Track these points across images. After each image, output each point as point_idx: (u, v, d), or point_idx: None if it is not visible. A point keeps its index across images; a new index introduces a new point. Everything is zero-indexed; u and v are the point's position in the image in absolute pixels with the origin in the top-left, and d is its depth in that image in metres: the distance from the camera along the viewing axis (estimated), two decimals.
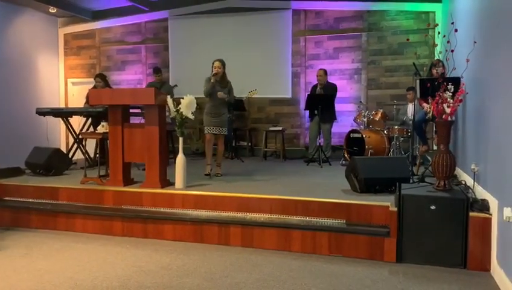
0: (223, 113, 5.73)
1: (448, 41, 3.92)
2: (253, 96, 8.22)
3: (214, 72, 5.64)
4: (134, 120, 6.07)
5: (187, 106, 4.80)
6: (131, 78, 9.65)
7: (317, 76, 7.55)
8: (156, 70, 7.68)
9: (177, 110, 4.81)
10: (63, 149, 8.17)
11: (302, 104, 8.42)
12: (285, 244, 4.17)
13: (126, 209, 4.76)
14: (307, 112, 7.86)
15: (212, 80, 5.60)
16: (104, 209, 4.81)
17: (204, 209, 4.54)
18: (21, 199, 5.22)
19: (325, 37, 8.43)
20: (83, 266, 3.78)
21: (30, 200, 5.18)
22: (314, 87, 7.64)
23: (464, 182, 4.42)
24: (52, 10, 9.15)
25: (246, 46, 8.66)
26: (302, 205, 4.23)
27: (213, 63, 5.69)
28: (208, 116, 5.68)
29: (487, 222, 3.56)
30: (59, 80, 10.11)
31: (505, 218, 2.99)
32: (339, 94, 7.55)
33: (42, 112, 6.88)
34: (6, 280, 3.49)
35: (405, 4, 7.88)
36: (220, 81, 5.67)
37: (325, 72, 7.55)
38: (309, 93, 7.74)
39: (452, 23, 4.01)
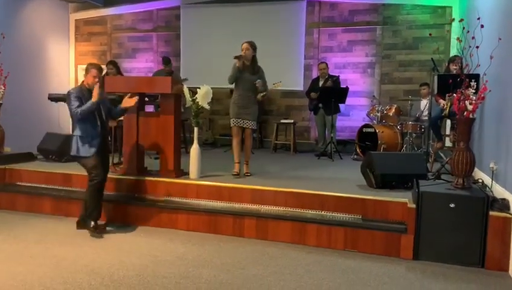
0: (252, 104, 5.12)
1: (472, 37, 3.85)
2: (277, 88, 7.99)
3: (239, 55, 4.99)
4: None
5: (203, 95, 4.76)
6: (142, 66, 9.60)
7: (320, 69, 7.48)
8: (166, 61, 7.63)
9: (193, 100, 4.77)
10: None
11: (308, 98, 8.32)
12: (300, 238, 4.15)
13: (140, 198, 4.75)
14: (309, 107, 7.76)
15: (237, 64, 4.96)
16: (118, 197, 4.79)
17: (218, 200, 4.52)
18: (34, 185, 5.22)
19: (339, 29, 8.34)
20: (98, 254, 3.78)
21: (43, 185, 5.18)
22: (316, 80, 7.57)
23: (480, 181, 4.37)
24: None
25: (259, 37, 8.40)
26: (318, 199, 4.21)
27: (242, 45, 5.06)
28: (235, 106, 5.08)
29: (507, 221, 3.53)
30: (69, 66, 10.06)
31: None
32: (351, 88, 7.48)
33: (54, 98, 6.83)
34: (23, 265, 3.49)
35: None
36: (249, 66, 5.04)
37: (327, 65, 7.53)
38: (309, 87, 7.65)
39: (478, 18, 3.93)
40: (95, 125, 4.26)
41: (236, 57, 4.99)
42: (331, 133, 7.22)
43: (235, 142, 5.14)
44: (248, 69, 5.04)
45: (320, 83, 7.42)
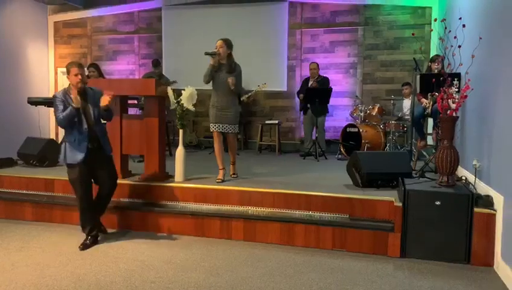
0: (231, 106, 4.87)
1: (455, 37, 3.91)
2: (262, 90, 7.98)
3: (215, 50, 4.73)
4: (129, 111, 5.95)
5: (188, 97, 4.70)
6: (124, 68, 9.48)
7: (311, 69, 7.54)
8: (156, 63, 7.58)
9: (178, 102, 4.72)
10: (55, 140, 8.00)
11: (298, 98, 8.38)
12: (288, 239, 4.14)
13: (125, 202, 4.67)
14: (299, 107, 7.83)
15: (211, 62, 4.72)
16: None
17: (205, 202, 4.48)
18: (15, 191, 5.09)
19: (321, 30, 8.39)
20: (83, 260, 3.70)
21: (24, 191, 5.05)
22: (306, 80, 7.62)
23: (464, 178, 4.43)
24: None
25: (242, 38, 8.48)
26: (305, 199, 4.21)
27: (216, 43, 4.82)
28: (214, 109, 4.88)
29: (491, 217, 3.58)
30: (49, 69, 9.87)
31: None
32: (334, 88, 7.53)
33: (34, 102, 6.71)
34: (5, 274, 3.39)
35: None
36: (226, 65, 4.82)
37: (318, 65, 7.57)
38: (300, 87, 7.72)
39: (460, 18, 3.99)
40: (81, 130, 3.96)
41: (208, 54, 4.72)
42: (321, 133, 7.27)
43: (217, 148, 4.96)
44: (224, 68, 4.81)
45: (310, 83, 7.46)
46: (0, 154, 5.93)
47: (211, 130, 4.99)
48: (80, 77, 3.99)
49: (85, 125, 3.99)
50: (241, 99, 5.14)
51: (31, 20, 9.36)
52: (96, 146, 4.06)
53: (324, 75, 7.63)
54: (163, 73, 8.66)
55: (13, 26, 8.85)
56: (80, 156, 3.93)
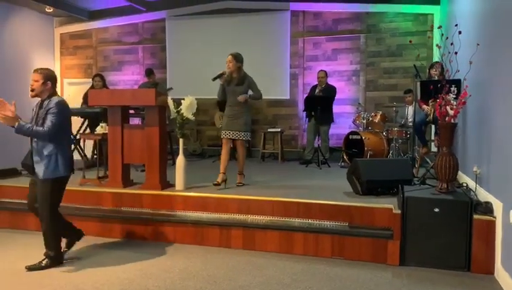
0: (241, 114, 5.06)
1: (451, 44, 3.91)
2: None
3: (220, 72, 5.06)
4: (132, 121, 6.02)
5: (188, 107, 4.76)
6: (128, 78, 9.57)
7: (318, 77, 7.56)
8: (148, 73, 7.64)
9: (178, 112, 4.76)
10: None
11: (300, 106, 8.41)
12: (287, 247, 4.14)
13: (126, 211, 4.71)
14: (305, 113, 7.85)
15: (221, 82, 5.08)
16: (104, 211, 4.75)
17: (205, 211, 4.50)
18: (18, 201, 5.14)
19: (323, 38, 8.41)
20: (83, 269, 3.73)
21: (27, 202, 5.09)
22: (314, 88, 7.65)
23: (465, 185, 4.40)
24: (49, 10, 9.06)
25: (244, 48, 8.51)
26: (304, 207, 4.21)
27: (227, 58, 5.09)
28: (225, 118, 5.12)
29: (491, 224, 3.56)
30: None
31: (511, 221, 2.98)
32: (337, 96, 7.55)
33: None
34: (7, 283, 3.43)
35: (403, 6, 7.88)
36: (236, 78, 5.05)
37: (326, 73, 7.59)
38: (307, 94, 7.76)
39: (456, 25, 4.00)
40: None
41: (215, 78, 5.05)
42: (324, 142, 7.27)
43: (222, 154, 5.11)
44: (235, 81, 5.05)
45: (316, 91, 7.47)
46: (4, 164, 6.01)
47: (221, 137, 5.15)
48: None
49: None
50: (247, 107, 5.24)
51: (37, 32, 9.51)
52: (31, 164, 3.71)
53: (331, 84, 7.64)
54: (167, 82, 8.76)
55: (20, 37, 9.00)
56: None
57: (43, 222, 3.78)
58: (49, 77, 3.73)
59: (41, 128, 3.59)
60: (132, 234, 4.60)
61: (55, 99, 3.69)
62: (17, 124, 3.53)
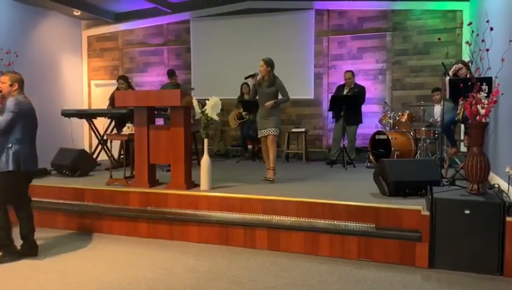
0: (272, 115, 5.43)
1: (482, 40, 3.79)
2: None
3: (253, 73, 5.50)
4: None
5: (212, 107, 4.77)
6: (154, 79, 9.69)
7: (346, 78, 7.42)
8: (171, 74, 7.70)
9: (203, 112, 4.78)
10: (87, 150, 8.25)
11: (325, 105, 8.34)
12: (312, 248, 4.10)
13: (151, 211, 4.75)
14: (330, 113, 7.76)
15: (253, 82, 5.56)
16: (130, 211, 4.80)
17: (229, 211, 4.49)
18: (47, 200, 5.26)
19: (348, 37, 8.32)
20: (110, 268, 3.78)
21: (56, 201, 5.22)
22: (340, 88, 7.52)
23: (497, 186, 4.27)
24: (76, 13, 9.26)
25: (268, 47, 8.58)
26: (330, 208, 4.16)
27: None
28: (258, 118, 5.57)
29: None
30: (82, 82, 10.22)
31: None
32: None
33: (67, 114, 6.96)
34: (36, 281, 3.50)
35: (431, 3, 7.71)
36: (267, 80, 5.44)
37: (353, 73, 7.45)
38: (332, 94, 7.66)
39: (487, 21, 3.87)
40: None
41: (247, 77, 5.59)
42: (351, 142, 7.18)
43: (263, 151, 5.61)
44: (265, 83, 5.43)
45: (345, 92, 7.37)
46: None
47: (258, 137, 5.62)
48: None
49: None
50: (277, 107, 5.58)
51: (65, 35, 9.73)
52: None
53: (360, 84, 7.50)
54: (191, 83, 8.83)
55: (48, 41, 9.22)
56: None
57: None
58: (15, 80, 4.00)
59: None
60: (157, 234, 4.64)
61: (14, 98, 3.90)
62: None
